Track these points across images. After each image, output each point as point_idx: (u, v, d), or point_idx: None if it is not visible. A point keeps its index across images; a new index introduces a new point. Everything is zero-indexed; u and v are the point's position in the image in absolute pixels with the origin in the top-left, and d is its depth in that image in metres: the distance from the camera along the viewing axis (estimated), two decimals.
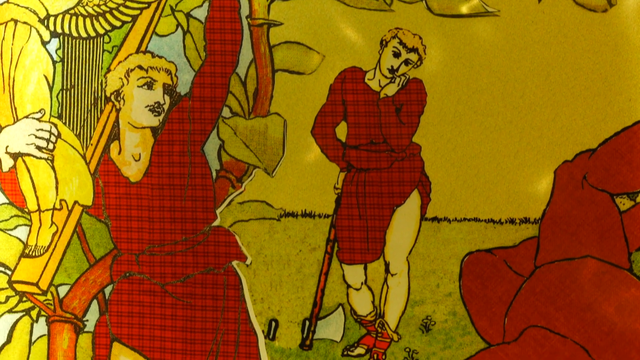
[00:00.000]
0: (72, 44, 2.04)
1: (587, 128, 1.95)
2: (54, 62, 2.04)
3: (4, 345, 2.06)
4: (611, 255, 1.93)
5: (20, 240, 2.05)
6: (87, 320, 2.04)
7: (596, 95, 1.94)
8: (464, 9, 1.97)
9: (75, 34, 2.04)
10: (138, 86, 2.00)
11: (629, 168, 1.93)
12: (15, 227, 2.06)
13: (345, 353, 1.99)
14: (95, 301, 2.04)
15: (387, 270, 1.97)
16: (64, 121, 2.03)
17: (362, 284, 1.98)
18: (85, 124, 2.03)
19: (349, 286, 1.99)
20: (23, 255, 2.04)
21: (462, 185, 1.95)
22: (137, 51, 2.02)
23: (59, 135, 2.03)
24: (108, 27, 2.03)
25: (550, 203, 1.95)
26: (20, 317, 2.06)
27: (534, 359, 1.93)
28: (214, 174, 2.00)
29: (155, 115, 1.99)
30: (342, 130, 1.99)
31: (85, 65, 2.03)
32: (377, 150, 1.97)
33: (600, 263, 1.93)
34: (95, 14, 2.03)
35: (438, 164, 1.96)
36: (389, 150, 1.97)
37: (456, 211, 1.96)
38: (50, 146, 2.02)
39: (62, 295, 2.05)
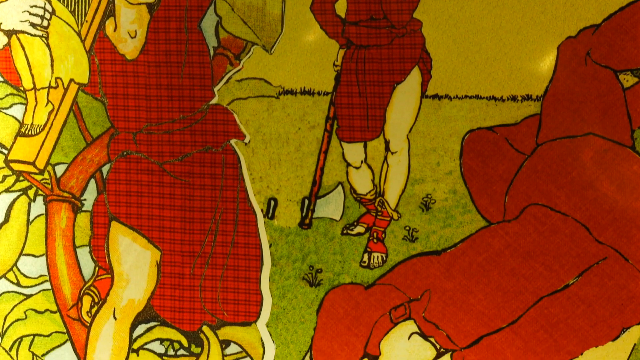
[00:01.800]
0: None
1: (592, 3, 1.94)
2: None
3: (1, 224, 2.10)
4: (614, 132, 1.94)
5: (16, 119, 2.07)
6: (84, 200, 2.07)
7: None
8: None
9: None
10: None
11: (634, 44, 1.93)
12: (11, 106, 2.08)
13: (345, 232, 2.01)
14: (92, 180, 2.07)
15: (387, 149, 1.99)
16: None
17: (361, 162, 2.00)
18: (80, 0, 2.03)
19: (348, 164, 2.00)
20: (19, 134, 2.06)
21: (463, 62, 1.96)
22: None
23: (53, 12, 2.03)
24: None
25: (552, 80, 1.96)
26: (18, 197, 2.09)
27: (534, 237, 1.96)
28: (212, 51, 2.01)
29: None
30: (341, 6, 1.99)
31: None
32: (377, 26, 1.97)
33: (602, 140, 1.94)
34: None
35: (439, 40, 1.96)
36: (389, 27, 1.97)
37: (457, 88, 1.96)
38: (45, 23, 2.03)
39: (59, 174, 2.07)
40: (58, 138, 2.05)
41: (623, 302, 1.93)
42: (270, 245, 2.03)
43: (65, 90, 2.04)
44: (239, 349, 2.05)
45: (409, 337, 1.99)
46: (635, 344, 1.93)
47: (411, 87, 1.98)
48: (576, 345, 1.95)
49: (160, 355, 2.07)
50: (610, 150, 1.94)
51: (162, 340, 2.06)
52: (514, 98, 1.97)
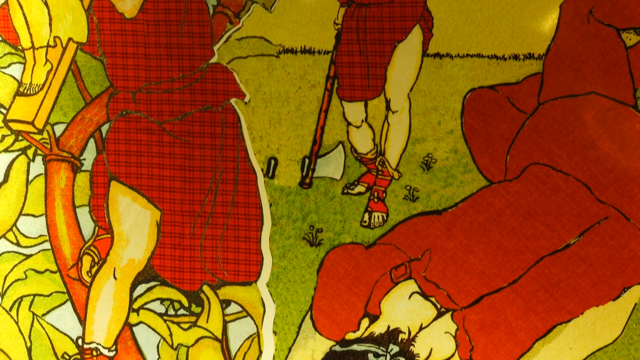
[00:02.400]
0: None
1: None
2: None
3: (1, 184, 2.10)
4: (616, 91, 1.94)
5: (14, 78, 2.07)
6: (84, 159, 2.07)
7: None
8: None
9: None
10: None
11: (636, 2, 1.93)
12: (9, 65, 2.07)
13: (346, 191, 2.01)
14: (92, 140, 2.07)
15: (387, 108, 1.99)
16: None
17: (362, 121, 2.00)
18: None
19: (349, 124, 2.00)
20: (18, 93, 2.06)
21: (465, 20, 1.95)
22: None
23: None
24: None
25: (555, 38, 1.95)
26: (17, 157, 2.09)
27: (535, 196, 1.96)
28: (211, 9, 2.00)
29: None
30: None
31: None
32: None
33: (604, 99, 1.94)
34: None
35: None
36: None
37: (459, 47, 1.96)
38: None
39: (58, 134, 2.08)
40: (57, 97, 2.05)
41: (624, 261, 1.94)
42: (271, 205, 2.03)
43: (64, 49, 2.04)
44: (240, 309, 2.06)
45: (410, 297, 1.99)
46: (636, 304, 1.94)
47: (412, 45, 1.97)
48: (577, 304, 1.96)
49: (160, 314, 2.08)
50: (612, 109, 1.94)
51: (162, 300, 2.07)
52: (515, 57, 1.96)
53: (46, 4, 2.03)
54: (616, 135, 1.94)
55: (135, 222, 2.05)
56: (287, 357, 2.05)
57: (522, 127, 1.96)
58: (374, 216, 2.01)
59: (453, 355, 1.99)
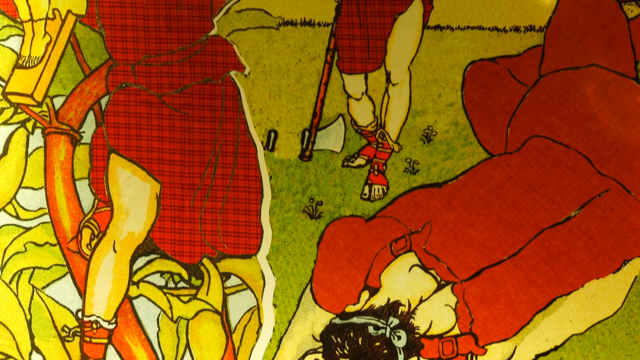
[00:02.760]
0: None
1: None
2: None
3: (0, 157, 2.10)
4: (617, 63, 1.94)
5: (13, 50, 2.07)
6: (83, 132, 2.07)
7: None
8: None
9: None
10: None
11: None
12: (8, 38, 2.07)
13: (346, 164, 2.02)
14: (91, 112, 2.07)
15: (388, 80, 1.99)
16: None
17: (362, 93, 2.00)
18: None
19: (349, 96, 2.00)
20: (17, 66, 2.06)
21: None
22: None
23: None
24: None
25: (556, 10, 1.95)
26: (16, 129, 2.09)
27: (536, 169, 1.96)
28: None
29: None
30: None
31: None
32: None
33: (605, 72, 1.94)
34: None
35: None
36: None
37: (459, 19, 1.96)
38: None
39: (57, 106, 2.08)
40: (56, 70, 2.05)
41: (625, 234, 1.94)
42: (271, 178, 2.03)
43: (63, 21, 2.04)
44: (239, 282, 2.06)
45: (410, 270, 2.00)
46: (636, 276, 1.94)
47: (412, 17, 1.97)
48: (577, 277, 1.96)
49: (160, 287, 2.09)
50: (613, 81, 1.94)
51: (162, 273, 2.08)
52: (516, 29, 1.96)
53: None
54: (617, 108, 1.94)
55: (134, 195, 2.05)
56: (287, 329, 2.05)
57: (523, 100, 1.96)
58: (374, 189, 2.01)
59: (453, 327, 1.99)
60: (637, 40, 1.94)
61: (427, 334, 2.01)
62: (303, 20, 2.00)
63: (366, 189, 2.01)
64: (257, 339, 2.08)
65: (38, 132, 2.09)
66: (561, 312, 1.97)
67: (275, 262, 2.05)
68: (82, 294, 2.09)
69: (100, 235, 2.08)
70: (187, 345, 2.09)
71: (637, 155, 1.94)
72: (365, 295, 2.03)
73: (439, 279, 2.00)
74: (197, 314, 2.07)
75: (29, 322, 2.12)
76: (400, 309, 2.01)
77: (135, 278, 2.09)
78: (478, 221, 1.98)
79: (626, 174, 1.93)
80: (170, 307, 2.08)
